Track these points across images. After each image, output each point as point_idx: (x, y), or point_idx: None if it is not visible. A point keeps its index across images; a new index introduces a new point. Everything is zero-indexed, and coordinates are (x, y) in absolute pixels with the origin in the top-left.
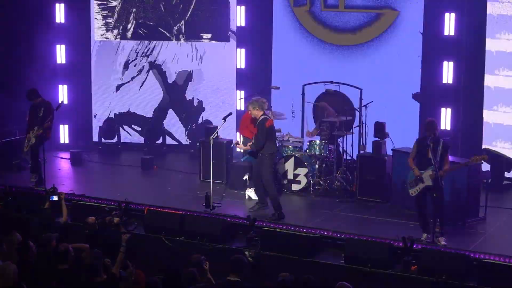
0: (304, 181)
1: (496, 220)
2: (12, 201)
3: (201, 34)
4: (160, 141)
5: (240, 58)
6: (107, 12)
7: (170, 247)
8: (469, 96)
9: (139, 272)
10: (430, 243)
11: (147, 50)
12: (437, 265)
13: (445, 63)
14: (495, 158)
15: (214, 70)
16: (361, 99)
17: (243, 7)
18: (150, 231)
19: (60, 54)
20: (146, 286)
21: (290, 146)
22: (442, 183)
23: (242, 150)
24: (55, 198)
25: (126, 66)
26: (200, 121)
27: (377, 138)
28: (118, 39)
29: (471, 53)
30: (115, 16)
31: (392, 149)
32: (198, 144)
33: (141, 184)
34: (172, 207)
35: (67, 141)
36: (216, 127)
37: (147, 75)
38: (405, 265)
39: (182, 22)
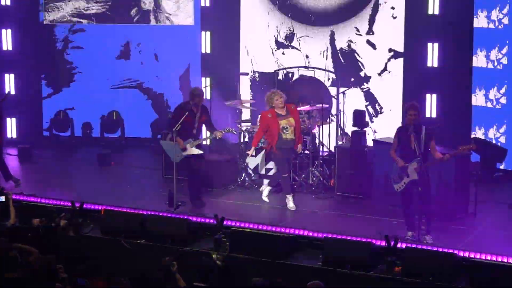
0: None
1: (487, 216)
2: None
3: (162, 16)
4: (118, 134)
5: (205, 42)
6: None
7: (129, 250)
8: (456, 80)
9: (97, 282)
10: (416, 241)
11: None
12: (423, 265)
13: (429, 44)
14: (485, 147)
15: (177, 54)
16: (338, 85)
17: None
18: (108, 233)
19: (6, 40)
20: None
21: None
22: (429, 176)
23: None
24: (2, 198)
25: None
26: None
27: (356, 128)
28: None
29: (457, 33)
30: None
31: (373, 140)
32: (159, 136)
33: (97, 182)
34: (132, 207)
35: (14, 135)
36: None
37: None
38: (388, 266)
39: (142, 3)
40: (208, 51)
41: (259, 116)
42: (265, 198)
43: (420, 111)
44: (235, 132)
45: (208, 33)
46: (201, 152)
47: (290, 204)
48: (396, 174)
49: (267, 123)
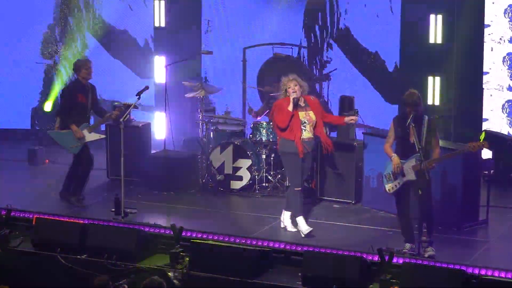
0: (247, 176)
1: (501, 225)
2: None
3: None
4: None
5: (159, 13)
6: None
7: (67, 268)
8: (465, 60)
9: None
10: (415, 255)
11: None
12: (424, 284)
13: (432, 16)
14: (499, 142)
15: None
16: (321, 65)
17: None
18: (41, 247)
19: None
20: None
21: (228, 130)
22: (429, 176)
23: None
24: None
25: None
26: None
27: None
28: None
29: (466, 2)
30: None
31: (363, 133)
32: (103, 130)
33: (27, 184)
34: (71, 215)
35: None
36: (129, 106)
37: None
38: (382, 285)
39: None
40: (163, 24)
41: (271, 107)
42: (290, 228)
43: (421, 99)
44: (138, 107)
45: (162, 2)
46: (103, 136)
47: (304, 227)
48: (390, 172)
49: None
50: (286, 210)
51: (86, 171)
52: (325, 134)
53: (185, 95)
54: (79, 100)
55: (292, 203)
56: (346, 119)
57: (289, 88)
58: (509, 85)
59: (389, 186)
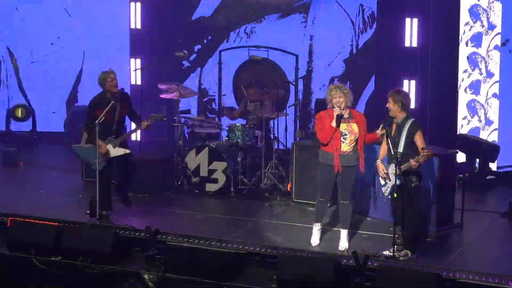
0: (222, 179)
1: (476, 228)
2: None
3: None
4: (28, 127)
5: (134, 15)
6: None
7: (42, 270)
8: (440, 63)
9: None
10: (390, 259)
11: None
12: (399, 287)
13: (407, 20)
14: (474, 146)
15: (101, 31)
16: (297, 68)
17: None
18: (15, 248)
19: None
20: None
21: (204, 133)
22: (402, 181)
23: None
24: None
25: None
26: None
27: None
28: None
29: (441, 5)
30: None
31: None
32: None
33: (2, 186)
34: (45, 217)
35: None
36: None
37: None
38: None
39: None
40: (139, 26)
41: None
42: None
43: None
44: (164, 119)
45: (138, 4)
46: (128, 151)
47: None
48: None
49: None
50: (316, 221)
51: (123, 182)
52: (361, 152)
53: (160, 95)
54: (96, 114)
55: (314, 210)
56: (379, 132)
57: (334, 98)
58: None
59: (383, 190)
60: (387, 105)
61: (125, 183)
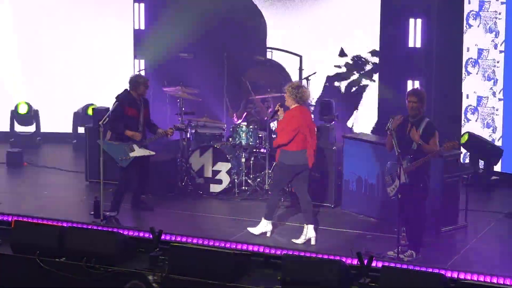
0: (226, 180)
1: (480, 229)
2: None
3: None
4: (33, 129)
5: (138, 15)
6: None
7: (46, 271)
8: (444, 63)
9: None
10: (394, 259)
11: None
12: None
13: (411, 20)
14: (479, 146)
15: (105, 31)
16: (301, 69)
17: None
18: (19, 250)
19: None
20: None
21: (208, 134)
22: (407, 179)
23: None
24: None
25: None
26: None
27: (322, 122)
28: None
29: (445, 7)
30: None
31: (343, 136)
32: (83, 132)
33: (6, 187)
34: (49, 218)
35: None
36: (108, 109)
37: None
38: None
39: None
40: (142, 27)
41: (281, 115)
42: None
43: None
44: (186, 131)
45: (142, 5)
46: (153, 153)
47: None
48: (389, 174)
49: (301, 123)
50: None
51: (141, 184)
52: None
53: (164, 88)
54: (129, 113)
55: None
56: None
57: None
58: None
59: (389, 189)
60: (411, 104)
61: (145, 185)
